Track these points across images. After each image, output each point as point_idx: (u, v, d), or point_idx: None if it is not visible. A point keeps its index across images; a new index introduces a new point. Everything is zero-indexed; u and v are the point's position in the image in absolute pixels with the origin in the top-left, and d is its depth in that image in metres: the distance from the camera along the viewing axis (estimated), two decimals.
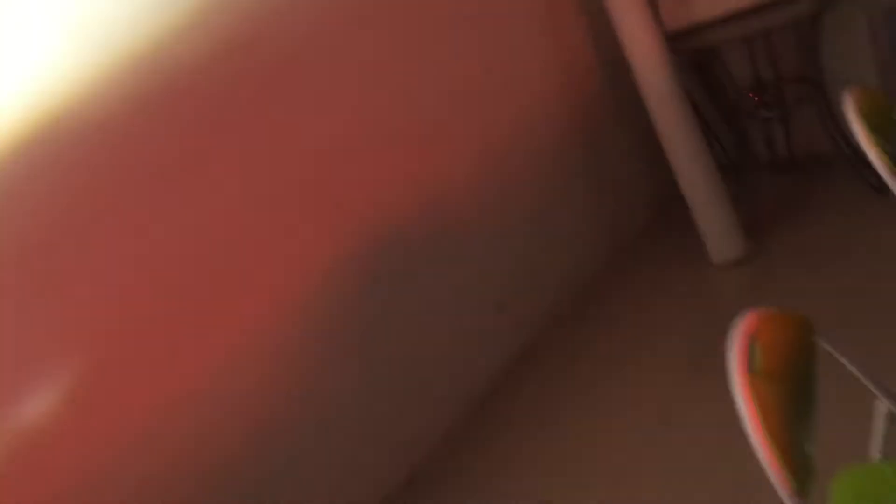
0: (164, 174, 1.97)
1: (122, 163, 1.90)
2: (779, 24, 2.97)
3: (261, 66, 2.18)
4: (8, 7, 1.73)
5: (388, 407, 2.47)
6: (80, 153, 1.82)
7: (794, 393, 1.10)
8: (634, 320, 2.86)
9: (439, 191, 2.67)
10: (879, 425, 1.30)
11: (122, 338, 1.90)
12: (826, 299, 2.54)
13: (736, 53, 3.32)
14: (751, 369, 1.06)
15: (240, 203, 2.12)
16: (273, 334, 2.20)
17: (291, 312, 2.24)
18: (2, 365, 1.71)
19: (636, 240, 3.42)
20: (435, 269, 2.64)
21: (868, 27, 2.99)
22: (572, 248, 3.19)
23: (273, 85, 2.21)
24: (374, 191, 2.45)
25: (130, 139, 1.91)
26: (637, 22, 2.73)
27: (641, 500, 2.05)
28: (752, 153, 3.54)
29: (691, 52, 3.26)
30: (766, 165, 3.52)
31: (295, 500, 2.19)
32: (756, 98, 3.30)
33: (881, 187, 2.71)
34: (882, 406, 1.28)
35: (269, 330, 2.19)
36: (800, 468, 1.01)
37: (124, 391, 1.89)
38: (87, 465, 1.81)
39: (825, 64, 3.14)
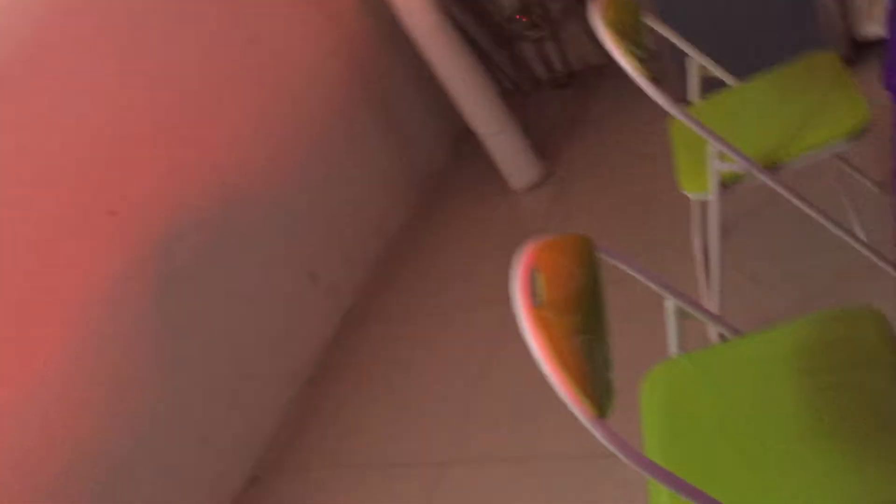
0: None
1: None
2: None
3: None
4: None
5: (212, 406, 2.34)
6: None
7: (583, 317, 1.11)
8: (449, 263, 2.87)
9: (226, 172, 2.52)
10: (672, 323, 1.35)
11: None
12: (614, 208, 2.66)
13: None
14: (536, 302, 1.05)
15: None
16: (68, 358, 2.01)
17: (86, 332, 2.06)
18: None
19: (438, 180, 3.42)
20: (238, 253, 2.51)
21: None
22: (377, 203, 3.14)
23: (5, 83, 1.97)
24: (150, 188, 2.28)
25: None
26: None
27: (486, 441, 2.08)
28: (532, 74, 3.61)
29: None
30: (547, 84, 3.61)
31: None
32: (524, 19, 3.35)
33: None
34: (670, 304, 1.33)
35: (64, 354, 2.00)
36: (598, 391, 1.02)
37: None
38: None
39: None
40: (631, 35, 1.74)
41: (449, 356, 2.42)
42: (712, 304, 1.89)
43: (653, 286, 1.31)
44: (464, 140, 3.30)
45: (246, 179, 2.59)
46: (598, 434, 0.96)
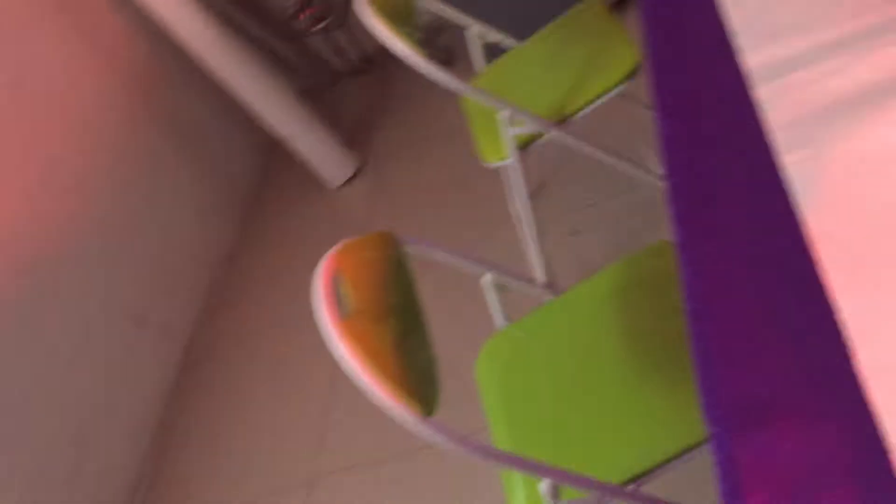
0: None
1: None
2: None
3: None
4: None
5: (50, 487, 2.16)
6: None
7: (396, 316, 1.08)
8: (281, 277, 2.77)
9: (17, 230, 2.31)
10: (492, 297, 1.35)
11: None
12: (432, 188, 2.65)
13: None
14: (343, 313, 1.01)
15: None
16: None
17: None
18: None
19: (256, 194, 3.30)
20: (51, 314, 2.31)
21: None
22: (197, 230, 3.00)
23: None
24: None
25: None
26: None
27: (348, 450, 2.03)
28: (328, 66, 3.55)
29: None
30: (345, 73, 3.56)
31: None
32: (308, 12, 3.27)
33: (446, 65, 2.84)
34: (486, 279, 1.33)
35: None
36: (423, 390, 1.00)
37: None
38: None
39: None
40: (403, 17, 1.72)
41: (296, 372, 2.34)
42: (537, 267, 1.92)
43: (466, 265, 1.31)
44: (273, 147, 3.20)
45: (44, 235, 2.38)
46: (429, 434, 0.94)
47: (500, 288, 1.35)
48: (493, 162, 1.73)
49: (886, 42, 0.88)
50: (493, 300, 1.35)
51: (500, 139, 1.70)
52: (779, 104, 0.91)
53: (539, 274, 1.96)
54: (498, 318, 1.38)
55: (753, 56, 0.99)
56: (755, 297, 0.72)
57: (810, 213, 0.77)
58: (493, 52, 2.06)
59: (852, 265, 0.71)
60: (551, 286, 1.43)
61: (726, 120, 0.92)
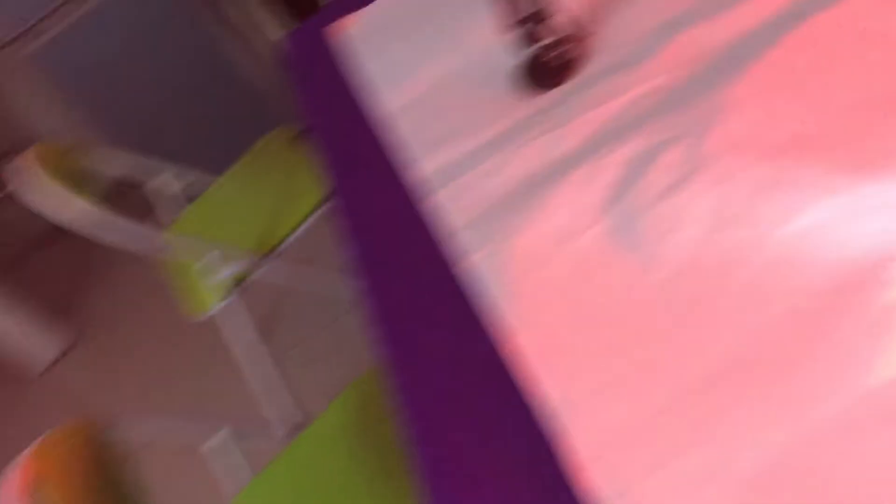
0: None
1: None
2: None
3: None
4: None
5: None
6: None
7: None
8: None
9: None
10: (232, 455, 1.24)
11: None
12: (156, 352, 2.45)
13: None
14: None
15: None
16: None
17: None
18: None
19: None
20: None
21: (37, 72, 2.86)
22: None
23: None
24: None
25: None
26: None
27: None
28: (17, 237, 3.22)
29: None
30: (40, 241, 3.25)
31: None
32: None
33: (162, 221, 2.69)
34: (210, 444, 1.21)
35: None
36: None
37: None
38: None
39: (28, 122, 2.96)
40: (82, 182, 1.60)
41: None
42: (277, 408, 1.81)
43: (181, 437, 1.20)
44: None
45: None
46: None
47: (243, 440, 1.24)
48: (205, 311, 1.63)
49: (534, 135, 0.95)
50: (230, 464, 1.24)
51: (207, 286, 1.61)
52: (456, 206, 0.93)
53: (284, 411, 1.85)
54: (242, 476, 1.27)
55: (426, 164, 1.02)
56: (471, 411, 0.71)
57: (504, 309, 0.77)
58: (191, 193, 1.97)
59: (553, 353, 0.72)
60: (294, 425, 1.35)
61: (409, 231, 0.93)
